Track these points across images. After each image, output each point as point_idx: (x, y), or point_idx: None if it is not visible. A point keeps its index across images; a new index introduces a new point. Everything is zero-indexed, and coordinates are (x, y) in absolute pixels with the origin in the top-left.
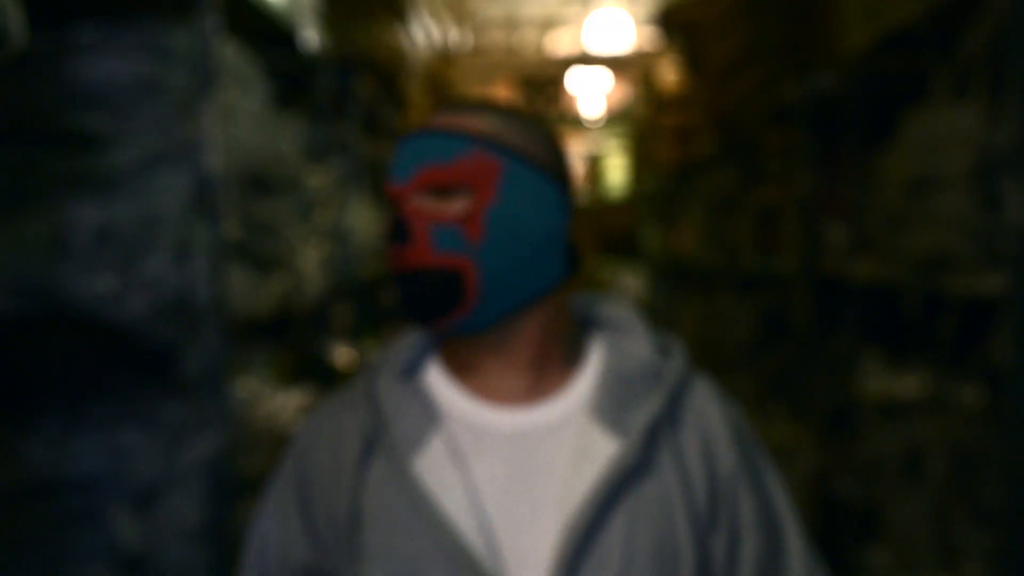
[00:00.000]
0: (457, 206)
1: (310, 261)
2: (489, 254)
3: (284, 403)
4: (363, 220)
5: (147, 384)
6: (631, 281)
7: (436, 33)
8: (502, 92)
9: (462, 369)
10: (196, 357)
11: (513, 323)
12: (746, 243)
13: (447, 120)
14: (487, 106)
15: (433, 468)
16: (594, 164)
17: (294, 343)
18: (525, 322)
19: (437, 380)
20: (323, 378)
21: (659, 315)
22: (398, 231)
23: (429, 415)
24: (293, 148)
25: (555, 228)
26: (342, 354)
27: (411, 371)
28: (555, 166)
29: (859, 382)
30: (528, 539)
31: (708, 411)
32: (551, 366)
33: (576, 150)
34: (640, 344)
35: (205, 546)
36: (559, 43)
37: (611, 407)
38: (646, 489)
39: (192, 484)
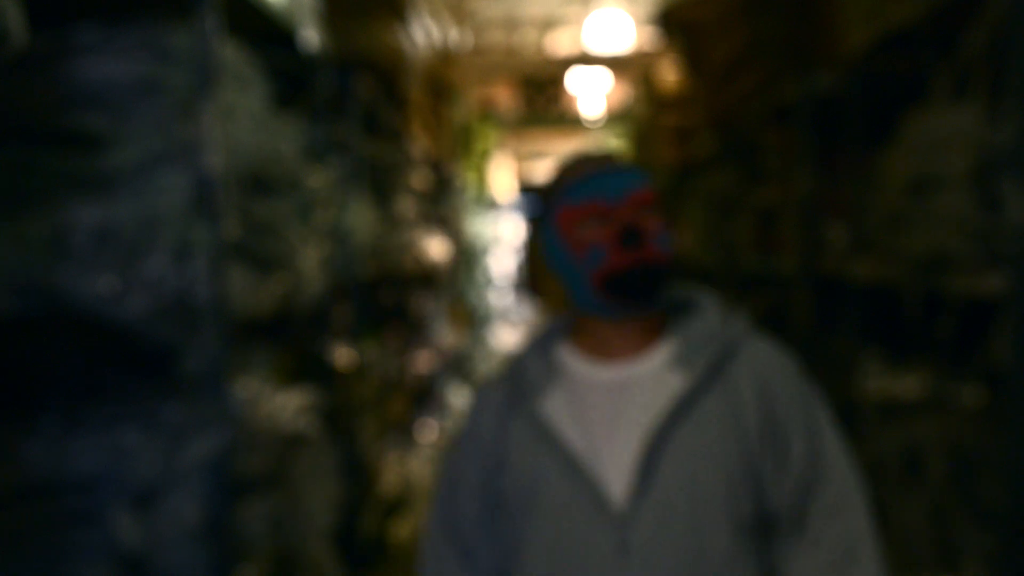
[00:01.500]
0: (660, 217)
1: (310, 261)
2: (672, 251)
3: (284, 403)
4: (363, 220)
5: (147, 384)
6: None
7: (436, 33)
8: (502, 92)
9: (584, 340)
10: (196, 357)
11: None
12: (746, 243)
13: (616, 164)
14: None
15: (555, 408)
16: None
17: (294, 343)
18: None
19: (564, 350)
20: (323, 378)
21: None
22: (631, 236)
23: (553, 373)
24: (293, 148)
25: None
26: (342, 354)
27: (545, 345)
28: None
29: (859, 382)
30: (619, 450)
31: (763, 358)
32: (646, 336)
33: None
34: (706, 316)
35: (205, 546)
36: (559, 43)
37: (679, 359)
38: (704, 409)
39: (192, 484)
